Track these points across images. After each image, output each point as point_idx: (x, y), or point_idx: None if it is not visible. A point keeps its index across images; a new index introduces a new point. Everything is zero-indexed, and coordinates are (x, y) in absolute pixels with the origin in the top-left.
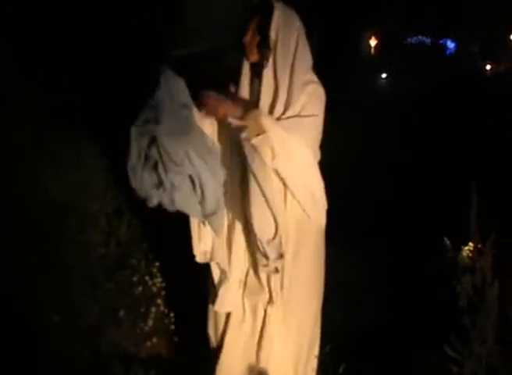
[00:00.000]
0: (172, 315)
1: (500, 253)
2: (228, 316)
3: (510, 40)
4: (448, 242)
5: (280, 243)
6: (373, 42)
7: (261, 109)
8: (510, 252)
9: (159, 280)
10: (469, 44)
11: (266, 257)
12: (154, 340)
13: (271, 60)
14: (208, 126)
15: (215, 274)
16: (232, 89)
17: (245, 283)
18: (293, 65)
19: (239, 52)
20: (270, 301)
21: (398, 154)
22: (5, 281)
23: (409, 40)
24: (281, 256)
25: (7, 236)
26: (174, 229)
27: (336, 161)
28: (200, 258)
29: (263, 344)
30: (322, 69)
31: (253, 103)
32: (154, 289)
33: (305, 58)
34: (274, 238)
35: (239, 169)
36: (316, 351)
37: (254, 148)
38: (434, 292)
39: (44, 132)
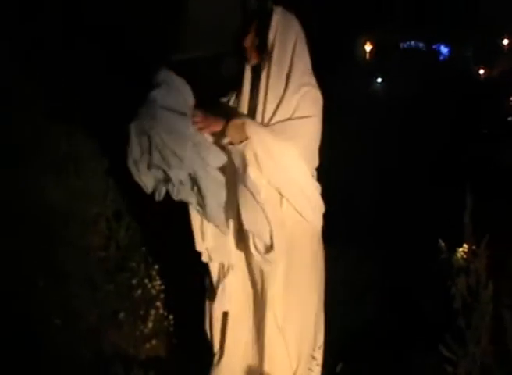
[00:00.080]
0: (171, 317)
1: (494, 254)
2: (228, 316)
3: (502, 44)
4: (443, 244)
5: (270, 236)
6: (368, 47)
7: (243, 117)
8: (503, 254)
9: (158, 282)
10: (462, 48)
11: (256, 249)
12: (154, 342)
13: (268, 63)
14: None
15: (214, 274)
16: (233, 95)
17: (244, 283)
18: (290, 68)
19: (237, 58)
20: (269, 302)
21: (393, 157)
22: (6, 283)
23: (403, 45)
24: (270, 248)
25: (8, 239)
26: (173, 232)
27: (333, 165)
28: (203, 257)
29: (263, 345)
30: (318, 74)
31: (237, 113)
32: (154, 292)
33: (303, 61)
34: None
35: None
36: (316, 352)
37: (237, 155)
38: (429, 293)
39: (44, 133)
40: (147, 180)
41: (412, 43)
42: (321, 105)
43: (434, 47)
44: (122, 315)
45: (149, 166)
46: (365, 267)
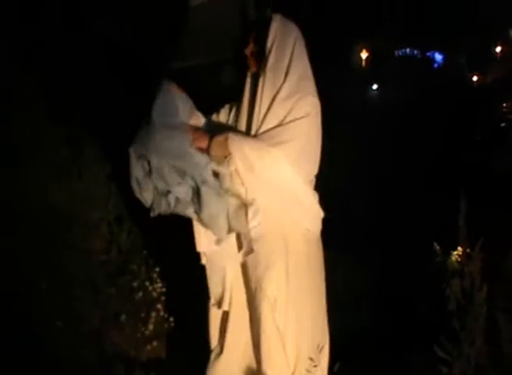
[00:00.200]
0: (171, 319)
1: (488, 258)
2: (228, 317)
3: (495, 52)
4: (438, 247)
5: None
6: (364, 55)
7: (227, 132)
8: (497, 257)
9: (159, 285)
10: (456, 56)
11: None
12: (155, 343)
13: (264, 70)
14: None
15: (211, 274)
16: (236, 102)
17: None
18: (286, 73)
19: (238, 66)
20: (269, 303)
21: (388, 163)
22: (8, 285)
23: (399, 52)
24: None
25: (7, 239)
26: (173, 236)
27: (328, 172)
28: (203, 259)
29: (261, 346)
30: (315, 81)
31: (226, 125)
32: (155, 294)
33: (301, 66)
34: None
35: None
36: (314, 354)
37: (223, 170)
38: (424, 295)
39: (44, 133)
40: (147, 197)
41: (407, 50)
42: (316, 108)
43: (428, 54)
44: (123, 317)
45: (150, 182)
46: (362, 271)
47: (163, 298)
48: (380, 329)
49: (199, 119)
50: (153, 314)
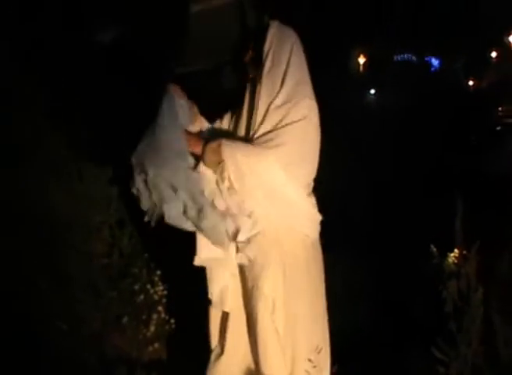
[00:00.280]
0: (172, 321)
1: (484, 260)
2: (229, 318)
3: (491, 57)
4: (434, 249)
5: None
6: (362, 60)
7: (220, 138)
8: (493, 259)
9: (160, 288)
10: (453, 61)
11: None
12: (156, 345)
13: (260, 75)
14: None
15: (211, 276)
16: (236, 110)
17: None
18: (283, 78)
19: (237, 72)
20: (268, 305)
21: (386, 167)
22: (8, 288)
23: (397, 57)
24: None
25: (7, 239)
26: (174, 239)
27: (326, 176)
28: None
29: (259, 346)
30: (313, 86)
31: (225, 133)
32: (156, 297)
33: (298, 71)
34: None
35: None
36: (313, 355)
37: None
38: (421, 297)
39: (44, 133)
40: (145, 206)
41: (405, 56)
42: (314, 111)
43: (425, 59)
44: (125, 319)
45: (147, 195)
46: (359, 273)
47: (164, 300)
48: (377, 330)
49: (202, 124)
50: (154, 316)
